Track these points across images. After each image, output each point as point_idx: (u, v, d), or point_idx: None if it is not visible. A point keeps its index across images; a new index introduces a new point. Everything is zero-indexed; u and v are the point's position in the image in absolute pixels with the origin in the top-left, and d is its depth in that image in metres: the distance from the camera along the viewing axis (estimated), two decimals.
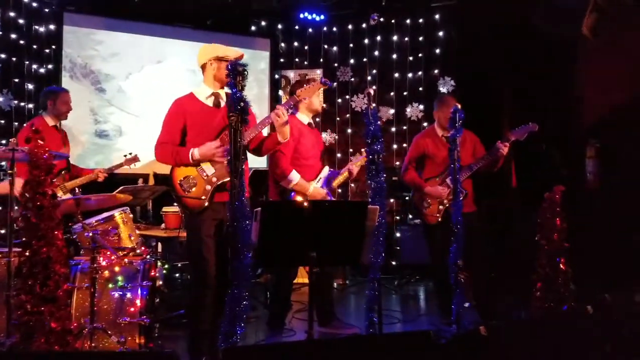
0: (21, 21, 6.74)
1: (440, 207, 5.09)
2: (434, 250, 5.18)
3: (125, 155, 5.67)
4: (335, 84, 8.23)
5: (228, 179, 3.73)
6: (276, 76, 8.55)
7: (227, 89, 3.94)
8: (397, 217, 7.75)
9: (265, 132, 4.68)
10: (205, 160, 3.90)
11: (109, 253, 4.06)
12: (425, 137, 5.29)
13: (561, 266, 4.24)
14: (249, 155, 3.95)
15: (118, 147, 7.24)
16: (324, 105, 7.86)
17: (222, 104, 4.03)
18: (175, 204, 4.78)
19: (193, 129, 3.98)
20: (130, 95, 7.50)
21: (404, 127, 8.13)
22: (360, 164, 4.92)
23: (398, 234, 7.45)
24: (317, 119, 7.95)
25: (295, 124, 4.64)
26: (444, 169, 5.12)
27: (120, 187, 5.09)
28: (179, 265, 6.22)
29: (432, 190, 5.10)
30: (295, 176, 4.60)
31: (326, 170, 4.85)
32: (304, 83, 4.41)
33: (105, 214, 4.62)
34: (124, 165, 5.64)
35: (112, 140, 7.37)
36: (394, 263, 7.38)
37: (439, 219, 5.07)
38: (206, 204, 3.86)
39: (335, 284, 6.47)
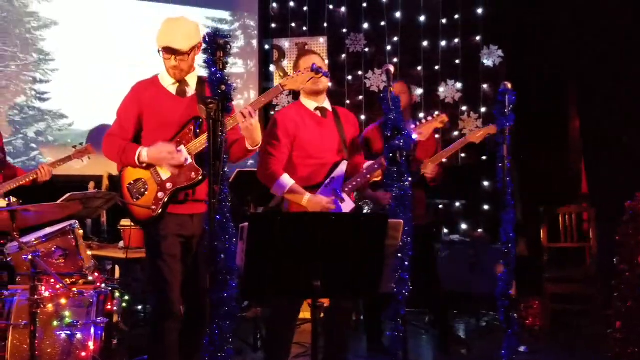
0: None
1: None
2: None
3: (74, 146, 5.53)
4: (344, 56, 8.23)
5: (185, 185, 3.88)
6: (266, 47, 8.60)
7: (200, 73, 4.03)
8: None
9: None
10: (156, 164, 3.97)
11: (53, 281, 4.10)
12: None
13: None
14: None
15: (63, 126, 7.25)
16: (330, 84, 7.87)
17: (190, 93, 4.09)
18: None
19: (149, 122, 4.05)
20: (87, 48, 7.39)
21: (436, 113, 8.13)
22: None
23: None
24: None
25: (292, 116, 4.49)
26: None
27: (67, 194, 5.02)
28: (143, 295, 6.25)
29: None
30: (286, 181, 4.34)
31: (342, 167, 4.48)
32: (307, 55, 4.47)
33: (47, 230, 4.63)
34: (73, 159, 5.51)
35: (54, 106, 7.29)
36: None
37: None
38: (158, 212, 3.91)
39: None
